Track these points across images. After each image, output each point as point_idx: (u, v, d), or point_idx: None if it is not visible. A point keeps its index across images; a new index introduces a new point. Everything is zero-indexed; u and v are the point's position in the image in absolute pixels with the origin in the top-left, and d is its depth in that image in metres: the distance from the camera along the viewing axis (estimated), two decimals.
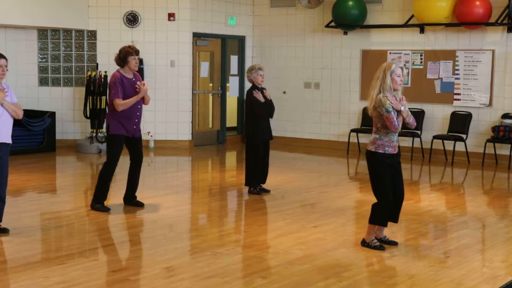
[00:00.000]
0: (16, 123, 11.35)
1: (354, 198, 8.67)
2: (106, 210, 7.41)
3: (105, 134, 11.84)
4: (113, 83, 7.29)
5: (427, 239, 6.63)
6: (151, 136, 12.54)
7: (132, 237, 6.59)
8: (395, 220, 6.16)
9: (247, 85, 8.54)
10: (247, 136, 8.45)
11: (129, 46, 7.38)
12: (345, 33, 12.88)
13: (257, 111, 8.31)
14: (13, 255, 5.76)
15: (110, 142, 7.43)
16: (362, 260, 5.83)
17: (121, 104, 7.21)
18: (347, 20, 12.43)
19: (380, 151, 5.91)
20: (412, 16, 11.96)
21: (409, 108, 6.07)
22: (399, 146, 6.08)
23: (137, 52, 7.37)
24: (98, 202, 7.47)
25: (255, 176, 8.47)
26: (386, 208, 5.98)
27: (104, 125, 11.75)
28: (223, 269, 5.46)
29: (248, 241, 6.34)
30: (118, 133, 7.34)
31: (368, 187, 6.83)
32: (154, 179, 9.80)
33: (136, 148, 7.55)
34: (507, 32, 11.32)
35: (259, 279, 5.22)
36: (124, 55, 7.31)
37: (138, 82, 7.38)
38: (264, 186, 8.63)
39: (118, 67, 7.43)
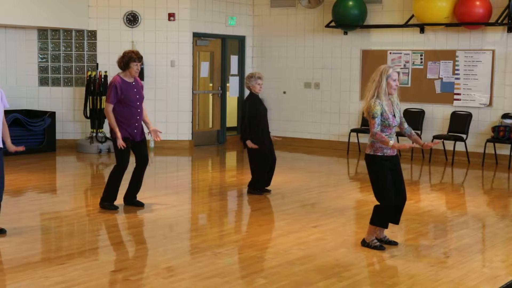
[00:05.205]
0: (16, 123, 11.48)
1: (354, 198, 8.67)
2: (115, 208, 7.43)
3: (105, 134, 11.95)
4: (109, 86, 7.35)
5: (427, 239, 6.63)
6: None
7: (132, 237, 6.59)
8: (396, 221, 6.15)
9: None
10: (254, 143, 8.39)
11: (133, 52, 7.36)
12: (345, 33, 12.88)
13: (255, 122, 8.30)
14: (13, 255, 5.75)
15: (116, 145, 7.43)
16: (362, 260, 5.82)
17: (107, 113, 7.31)
18: (347, 20, 12.43)
19: (379, 153, 5.90)
20: (412, 16, 11.96)
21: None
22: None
23: (140, 59, 7.37)
24: (107, 200, 7.48)
25: (261, 182, 8.46)
26: (389, 211, 5.97)
27: (106, 126, 11.79)
28: (223, 269, 5.46)
29: (248, 241, 6.34)
30: (122, 136, 7.34)
31: (368, 187, 6.84)
32: (154, 179, 9.80)
33: (140, 151, 7.55)
34: (507, 32, 11.32)
35: (259, 279, 5.22)
36: (127, 60, 7.31)
37: (158, 134, 7.55)
38: None
39: (119, 69, 7.44)
